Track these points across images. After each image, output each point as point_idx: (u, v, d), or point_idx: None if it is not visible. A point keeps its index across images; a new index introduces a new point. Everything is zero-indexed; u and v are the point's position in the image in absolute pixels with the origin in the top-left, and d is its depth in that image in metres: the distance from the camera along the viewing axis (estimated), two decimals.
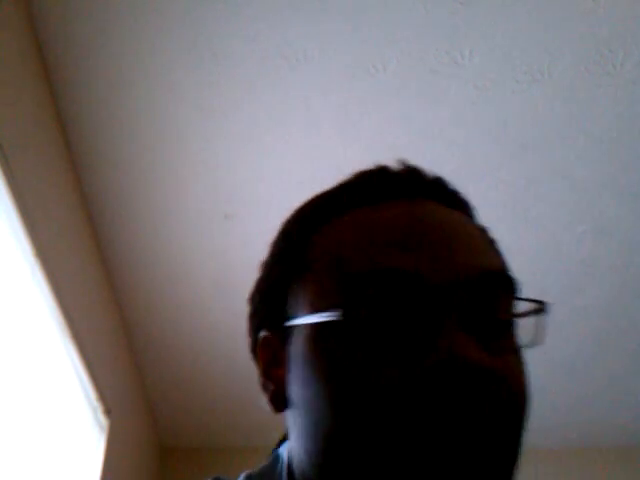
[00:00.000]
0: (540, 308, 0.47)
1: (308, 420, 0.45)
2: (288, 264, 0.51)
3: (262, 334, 0.52)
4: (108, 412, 2.03)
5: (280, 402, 0.49)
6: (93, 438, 1.98)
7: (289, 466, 0.50)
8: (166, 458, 2.97)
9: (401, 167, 0.54)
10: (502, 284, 0.47)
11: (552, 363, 2.48)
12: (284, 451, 0.52)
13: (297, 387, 0.47)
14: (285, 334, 0.49)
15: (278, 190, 1.81)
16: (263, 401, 0.51)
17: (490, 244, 0.52)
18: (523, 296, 0.47)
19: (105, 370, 2.04)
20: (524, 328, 0.47)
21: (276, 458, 0.53)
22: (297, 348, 0.47)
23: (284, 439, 0.57)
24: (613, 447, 2.95)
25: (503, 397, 0.41)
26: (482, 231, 0.53)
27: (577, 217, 1.95)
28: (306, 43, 1.51)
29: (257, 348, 0.53)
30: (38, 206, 1.53)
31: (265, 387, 0.51)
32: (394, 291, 0.43)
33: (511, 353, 0.45)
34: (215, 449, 2.94)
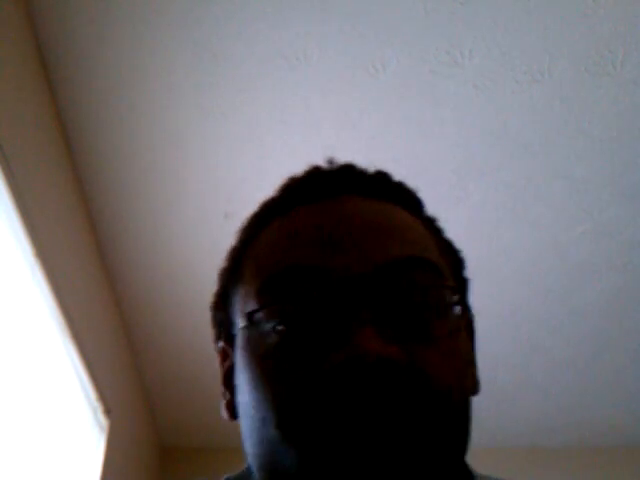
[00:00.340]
0: (454, 297, 0.46)
1: (248, 429, 0.46)
2: (230, 276, 0.54)
3: (219, 344, 0.54)
4: (108, 412, 2.03)
5: (231, 410, 0.51)
6: (93, 438, 1.98)
7: None
8: (166, 458, 2.97)
9: (329, 167, 0.55)
10: (416, 270, 0.45)
11: (552, 363, 2.48)
12: None
13: (238, 395, 0.48)
14: (233, 342, 0.50)
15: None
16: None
17: (419, 232, 0.50)
18: (442, 282, 0.46)
19: (105, 370, 2.04)
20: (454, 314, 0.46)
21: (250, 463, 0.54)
22: (236, 357, 0.49)
23: None
24: (613, 447, 2.95)
25: (410, 389, 0.40)
26: (423, 220, 0.52)
27: (577, 217, 1.95)
28: (306, 43, 1.51)
29: (218, 357, 0.55)
30: (38, 206, 1.53)
31: (223, 395, 0.53)
32: (303, 287, 0.44)
33: (431, 340, 0.43)
34: (215, 449, 2.94)
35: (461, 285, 0.53)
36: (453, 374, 0.43)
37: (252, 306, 0.46)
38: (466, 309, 0.53)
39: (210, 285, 2.13)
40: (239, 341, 0.48)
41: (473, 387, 0.51)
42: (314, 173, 0.54)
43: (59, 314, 1.66)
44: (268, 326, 0.44)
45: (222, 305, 0.54)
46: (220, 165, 1.78)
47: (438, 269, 0.47)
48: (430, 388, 0.41)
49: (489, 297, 2.18)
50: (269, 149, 1.73)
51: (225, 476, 0.53)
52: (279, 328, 0.43)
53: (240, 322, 0.47)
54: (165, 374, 2.56)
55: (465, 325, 0.52)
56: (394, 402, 0.39)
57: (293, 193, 0.53)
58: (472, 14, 1.45)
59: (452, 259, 0.53)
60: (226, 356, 0.53)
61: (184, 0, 1.43)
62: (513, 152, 1.77)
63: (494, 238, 1.98)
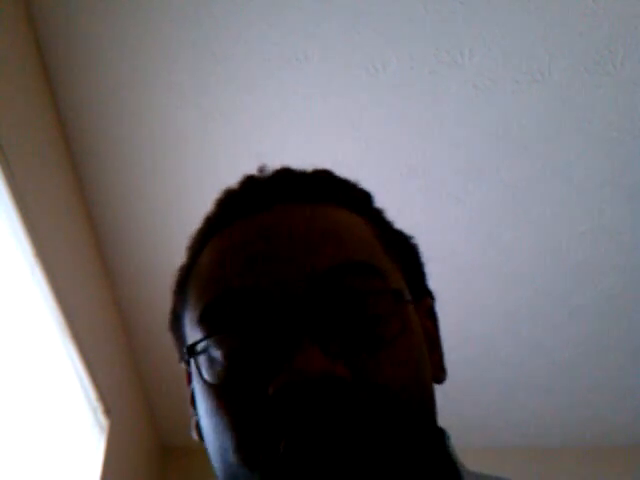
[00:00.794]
0: (397, 296, 0.44)
1: (211, 453, 0.46)
2: (177, 299, 0.53)
3: (182, 365, 0.52)
4: (108, 412, 2.03)
5: (199, 431, 0.50)
6: (93, 438, 1.98)
7: None
8: (166, 458, 2.97)
9: (262, 176, 0.54)
10: (352, 276, 0.43)
11: (552, 363, 2.48)
12: None
13: (199, 417, 0.47)
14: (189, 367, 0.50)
15: None
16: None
17: (360, 230, 0.48)
18: (382, 285, 0.44)
19: (105, 370, 2.03)
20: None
21: None
22: (192, 381, 0.48)
23: None
24: (613, 447, 2.95)
25: (361, 403, 0.39)
26: (354, 216, 0.49)
27: (577, 217, 1.95)
28: (306, 43, 1.51)
29: (185, 378, 0.54)
30: (38, 206, 1.53)
31: (191, 415, 0.52)
32: (239, 313, 0.43)
33: (377, 347, 0.41)
34: None
35: (415, 273, 0.51)
36: (406, 375, 0.42)
37: (195, 335, 0.45)
38: (424, 295, 0.51)
39: None
40: (192, 368, 0.47)
41: (437, 376, 0.49)
42: (248, 184, 0.53)
43: (59, 314, 1.66)
44: (213, 355, 0.43)
45: (175, 327, 0.53)
46: (220, 165, 1.78)
47: (376, 270, 0.45)
48: (383, 398, 0.40)
49: (489, 297, 2.18)
50: (269, 149, 1.73)
51: None
52: (223, 357, 0.43)
53: (184, 353, 0.47)
54: (165, 374, 2.56)
55: (425, 313, 0.50)
56: (345, 419, 0.38)
57: (228, 207, 0.52)
58: (472, 14, 1.45)
59: (401, 250, 0.51)
60: (189, 377, 0.52)
61: (184, 0, 1.43)
62: (513, 152, 1.77)
63: (494, 238, 1.98)
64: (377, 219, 0.51)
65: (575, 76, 1.58)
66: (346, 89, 1.60)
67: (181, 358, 0.52)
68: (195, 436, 0.51)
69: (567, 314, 2.27)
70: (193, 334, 0.46)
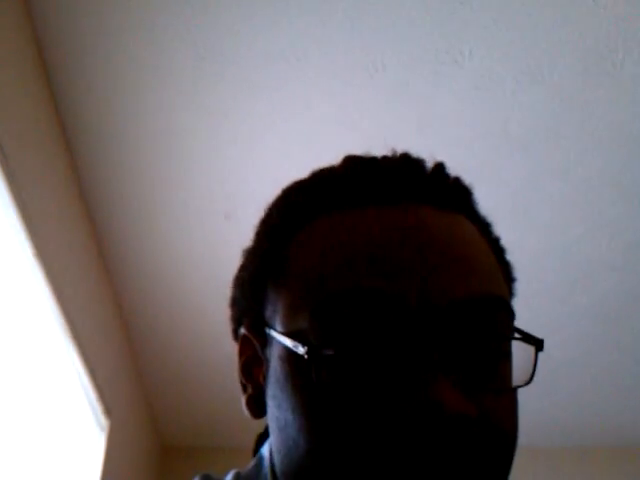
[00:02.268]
0: (536, 345, 0.43)
1: (281, 442, 0.43)
2: (266, 264, 0.47)
3: (242, 332, 0.49)
4: (108, 412, 2.03)
5: (257, 407, 0.47)
6: (93, 438, 1.98)
7: (272, 468, 0.48)
8: (166, 458, 2.97)
9: (390, 162, 0.48)
10: (493, 311, 0.42)
11: (552, 363, 2.48)
12: (265, 452, 0.50)
13: (272, 404, 0.44)
14: (264, 338, 0.46)
15: (278, 190, 1.81)
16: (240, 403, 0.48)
17: (491, 258, 0.46)
18: (518, 327, 0.42)
19: (105, 370, 2.03)
20: (518, 364, 0.43)
21: (260, 459, 0.51)
22: (273, 363, 0.44)
23: (263, 437, 0.55)
24: (613, 447, 2.95)
25: (481, 443, 0.38)
26: (489, 240, 0.47)
27: (577, 217, 1.95)
28: (306, 43, 1.50)
29: (238, 342, 0.50)
30: (38, 206, 1.53)
31: (244, 388, 0.49)
32: (367, 315, 0.39)
33: (498, 392, 0.41)
34: (215, 449, 2.94)
35: None
36: (516, 423, 0.42)
37: (303, 324, 0.41)
38: None
39: (210, 285, 2.14)
40: (279, 351, 0.43)
41: None
42: (371, 166, 0.47)
43: (59, 314, 1.66)
44: (323, 352, 0.39)
45: (250, 291, 0.48)
46: (220, 165, 1.78)
47: (512, 312, 0.43)
48: (501, 443, 0.40)
49: None
50: (269, 149, 1.73)
51: (234, 470, 0.51)
52: (337, 358, 0.39)
53: (283, 337, 0.42)
54: (165, 374, 2.56)
55: None
56: (466, 457, 0.38)
57: (344, 188, 0.46)
58: (472, 14, 1.45)
59: (512, 283, 0.49)
60: (248, 344, 0.48)
61: (184, 0, 1.43)
62: (513, 152, 1.77)
63: None
64: (496, 244, 0.49)
65: (575, 76, 1.58)
66: (346, 89, 1.60)
67: (238, 322, 0.49)
68: (247, 413, 0.47)
69: (567, 314, 2.27)
70: (296, 321, 0.42)
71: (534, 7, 1.44)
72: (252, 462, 0.51)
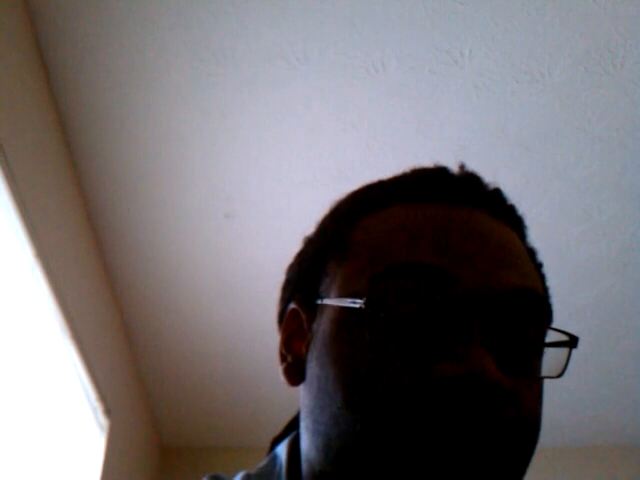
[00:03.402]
0: (571, 342, 0.46)
1: (317, 401, 0.45)
2: (329, 243, 0.51)
3: (291, 306, 0.52)
4: (108, 412, 2.03)
5: (294, 375, 0.50)
6: (93, 438, 1.98)
7: (290, 461, 0.50)
8: (166, 458, 2.97)
9: (458, 172, 0.54)
10: (536, 307, 0.46)
11: None
12: (282, 451, 0.52)
13: (314, 365, 0.47)
14: (314, 311, 0.49)
15: (278, 190, 1.81)
16: (279, 371, 0.51)
17: (533, 266, 0.50)
18: (555, 326, 0.46)
19: (105, 370, 2.04)
20: (549, 359, 0.46)
21: (274, 458, 0.52)
22: (322, 328, 0.47)
23: (278, 438, 0.57)
24: (613, 447, 2.95)
25: (512, 417, 0.41)
26: (528, 252, 0.52)
27: (577, 217, 1.95)
28: (306, 43, 1.51)
29: (284, 318, 0.53)
30: (38, 206, 1.53)
31: (283, 358, 0.52)
32: (423, 287, 0.43)
33: (528, 379, 0.44)
34: (215, 449, 2.94)
35: None
36: (540, 413, 0.45)
37: (360, 288, 0.45)
38: None
39: (210, 285, 2.14)
40: (331, 314, 0.46)
41: None
42: (444, 173, 0.53)
43: (59, 314, 1.66)
44: (376, 315, 0.43)
45: (309, 267, 0.52)
46: (220, 165, 1.78)
47: (550, 311, 0.47)
48: (524, 425, 0.43)
49: None
50: (269, 149, 1.73)
51: (243, 472, 0.52)
52: (389, 321, 0.42)
53: (338, 299, 0.46)
54: (165, 374, 2.56)
55: None
56: (496, 428, 0.40)
57: (420, 185, 0.51)
58: (472, 14, 1.45)
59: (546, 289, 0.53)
60: (294, 319, 0.52)
61: (184, 0, 1.43)
62: (513, 152, 1.77)
63: None
64: (534, 259, 0.54)
65: (575, 76, 1.58)
66: (346, 89, 1.60)
67: (289, 298, 0.53)
68: (285, 380, 0.51)
69: (567, 314, 2.27)
70: (354, 285, 0.46)
71: (534, 7, 1.44)
72: (264, 461, 0.53)
